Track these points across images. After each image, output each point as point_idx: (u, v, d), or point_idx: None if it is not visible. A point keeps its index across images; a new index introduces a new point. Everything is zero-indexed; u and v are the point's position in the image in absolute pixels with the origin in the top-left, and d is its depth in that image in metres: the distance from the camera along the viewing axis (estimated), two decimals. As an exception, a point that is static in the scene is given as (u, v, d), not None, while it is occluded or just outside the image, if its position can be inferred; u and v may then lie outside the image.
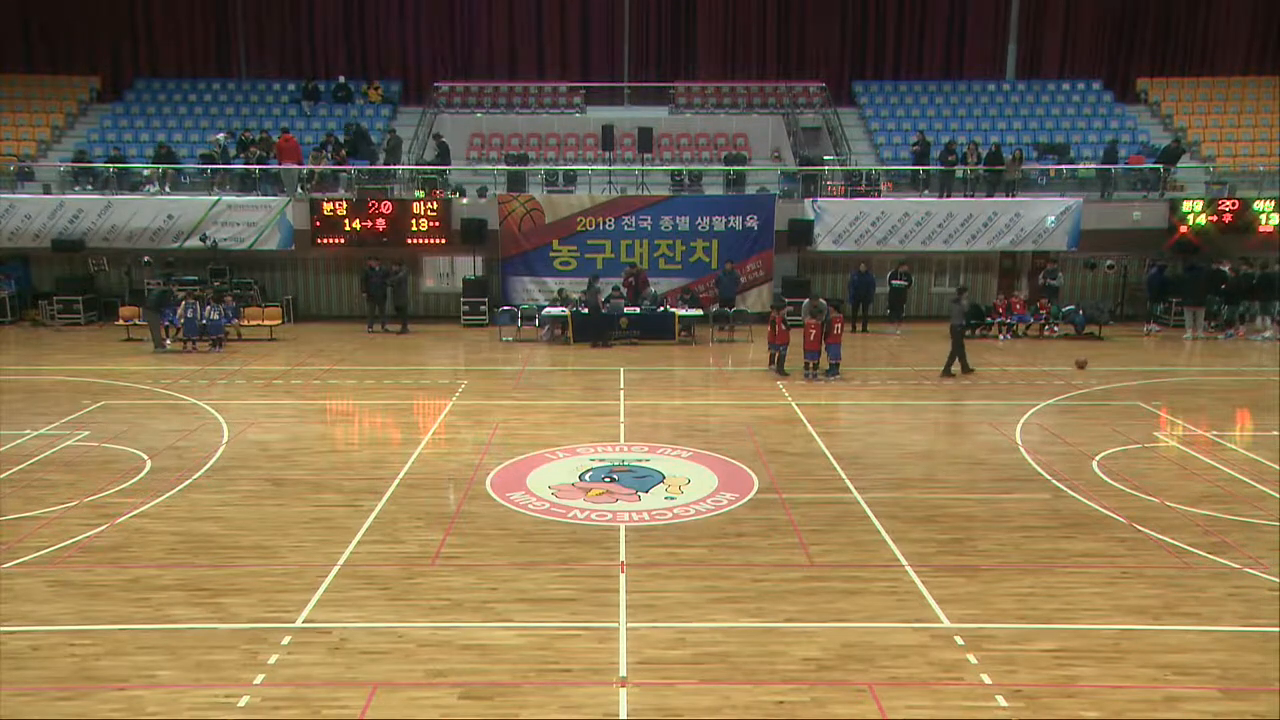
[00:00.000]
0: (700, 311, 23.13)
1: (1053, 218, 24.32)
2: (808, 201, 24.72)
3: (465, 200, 24.83)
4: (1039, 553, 9.85)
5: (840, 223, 24.47)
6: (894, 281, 24.10)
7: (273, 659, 7.62)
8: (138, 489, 11.75)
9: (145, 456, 13.04)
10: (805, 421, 15.17)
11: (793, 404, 16.38)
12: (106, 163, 25.45)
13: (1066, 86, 30.28)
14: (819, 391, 17.52)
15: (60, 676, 7.38)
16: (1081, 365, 19.15)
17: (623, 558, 9.70)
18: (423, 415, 15.98)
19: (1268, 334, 23.05)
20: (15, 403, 16.23)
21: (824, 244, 24.60)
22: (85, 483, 11.93)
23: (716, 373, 19.55)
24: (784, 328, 18.79)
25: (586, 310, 22.19)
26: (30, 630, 8.12)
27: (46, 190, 24.96)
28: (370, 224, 24.19)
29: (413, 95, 30.63)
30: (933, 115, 29.15)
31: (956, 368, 18.59)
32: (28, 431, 14.30)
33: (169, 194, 24.83)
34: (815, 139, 28.13)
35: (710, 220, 24.54)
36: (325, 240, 24.47)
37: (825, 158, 26.47)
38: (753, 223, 24.53)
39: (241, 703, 7.01)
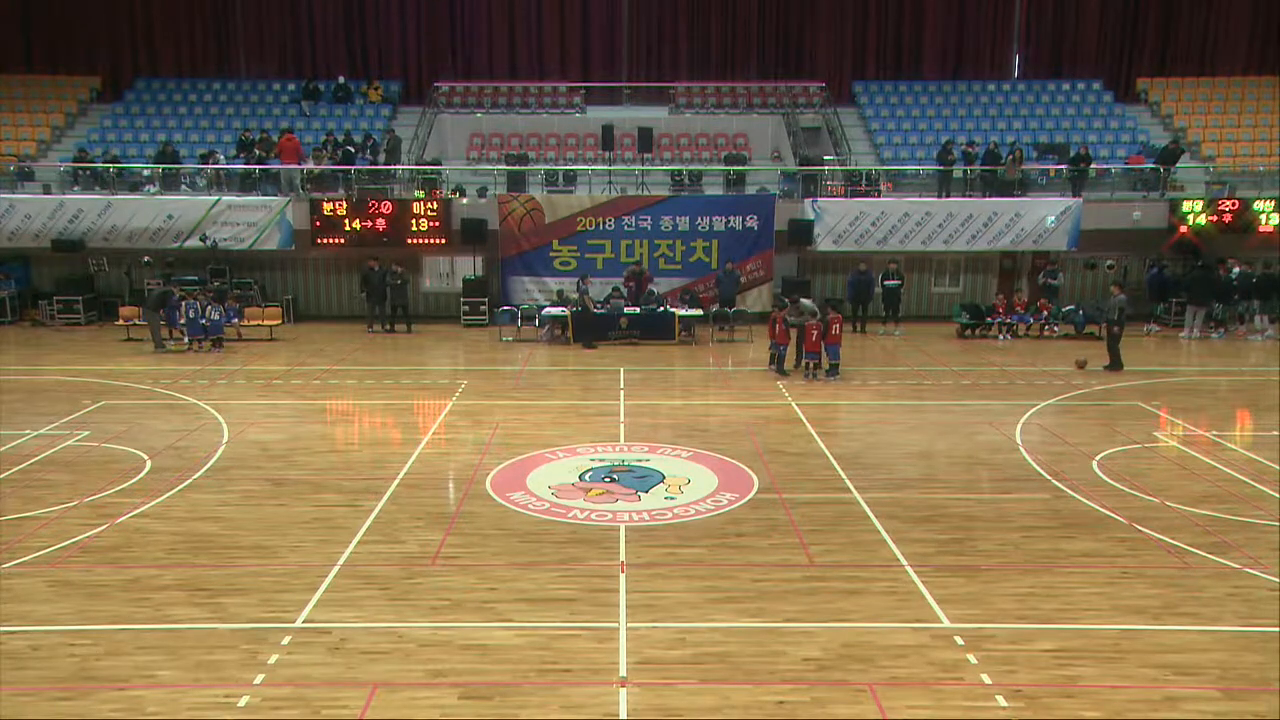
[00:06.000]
0: (700, 311, 23.13)
1: (1053, 218, 24.32)
2: (808, 201, 24.71)
3: (465, 200, 24.83)
4: (1039, 553, 9.85)
5: (840, 223, 24.47)
6: (886, 282, 24.08)
7: (273, 659, 7.62)
8: (138, 489, 11.75)
9: (145, 456, 13.04)
10: (805, 421, 15.17)
11: (793, 404, 16.38)
12: (105, 163, 25.44)
13: (1066, 86, 30.26)
14: (819, 391, 17.52)
15: (60, 676, 7.38)
16: (1081, 365, 19.18)
17: (623, 558, 9.70)
18: (423, 415, 15.98)
19: (1269, 333, 23.06)
20: (15, 403, 16.23)
21: (824, 244, 24.60)
22: (85, 483, 11.94)
23: (716, 373, 19.55)
24: (785, 327, 18.80)
25: (579, 311, 22.21)
26: (30, 630, 8.12)
27: (46, 190, 24.94)
28: (370, 224, 24.20)
29: (413, 95, 30.62)
30: (933, 115, 29.14)
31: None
32: (28, 431, 14.30)
33: (169, 194, 24.80)
34: (815, 139, 28.12)
35: (710, 220, 24.54)
36: (325, 240, 24.46)
37: (825, 158, 26.46)
38: (753, 223, 24.52)
39: (241, 703, 7.01)
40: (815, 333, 18.19)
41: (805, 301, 19.88)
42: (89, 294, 25.04)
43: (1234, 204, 24.52)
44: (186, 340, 21.20)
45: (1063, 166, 26.18)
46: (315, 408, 16.40)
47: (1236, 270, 23.53)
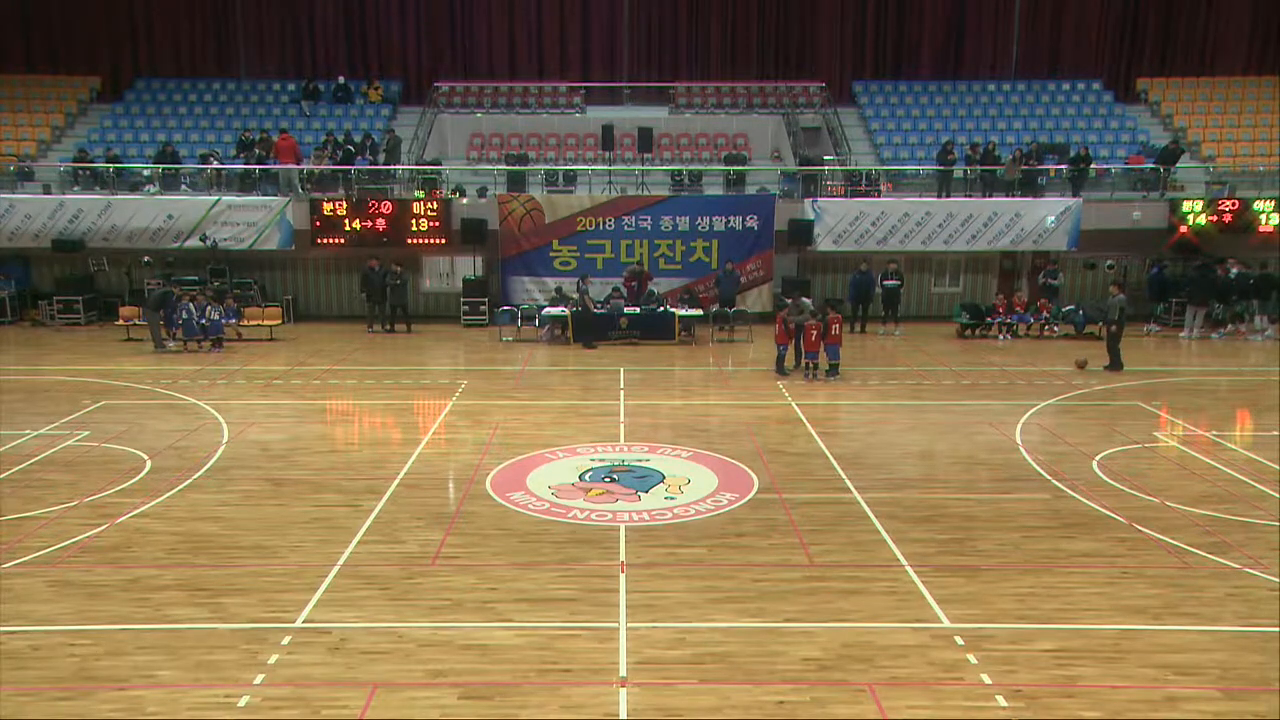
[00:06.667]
0: (700, 311, 23.13)
1: (1053, 218, 24.32)
2: (808, 201, 24.71)
3: (465, 200, 24.83)
4: (1039, 553, 9.85)
5: (840, 223, 24.47)
6: (885, 282, 24.06)
7: (273, 659, 7.62)
8: (138, 489, 11.75)
9: (145, 456, 13.04)
10: (805, 421, 15.17)
11: (793, 404, 16.38)
12: (105, 163, 25.44)
13: (1066, 86, 30.26)
14: (819, 391, 17.52)
15: (60, 676, 7.38)
16: (1081, 365, 19.18)
17: (623, 558, 9.70)
18: (423, 415, 15.98)
19: (1268, 333, 23.06)
20: (15, 403, 16.23)
21: (824, 244, 24.60)
22: (85, 483, 11.93)
23: (716, 373, 19.55)
24: (785, 327, 18.81)
25: (579, 311, 22.21)
26: (30, 630, 8.12)
27: (46, 190, 24.94)
28: (370, 224, 24.20)
29: (413, 95, 30.62)
30: (932, 115, 29.15)
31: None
32: (28, 431, 14.30)
33: (169, 194, 24.79)
34: (815, 139, 28.12)
35: (710, 220, 24.54)
36: (325, 240, 24.47)
37: (825, 158, 26.47)
38: (753, 223, 24.53)
39: (241, 703, 7.01)
40: (815, 333, 18.19)
41: (805, 300, 19.89)
42: (89, 294, 25.04)
43: (1234, 204, 24.51)
44: (182, 339, 21.18)
45: (1063, 166, 26.19)
46: (315, 408, 16.40)
47: (1236, 270, 23.54)
